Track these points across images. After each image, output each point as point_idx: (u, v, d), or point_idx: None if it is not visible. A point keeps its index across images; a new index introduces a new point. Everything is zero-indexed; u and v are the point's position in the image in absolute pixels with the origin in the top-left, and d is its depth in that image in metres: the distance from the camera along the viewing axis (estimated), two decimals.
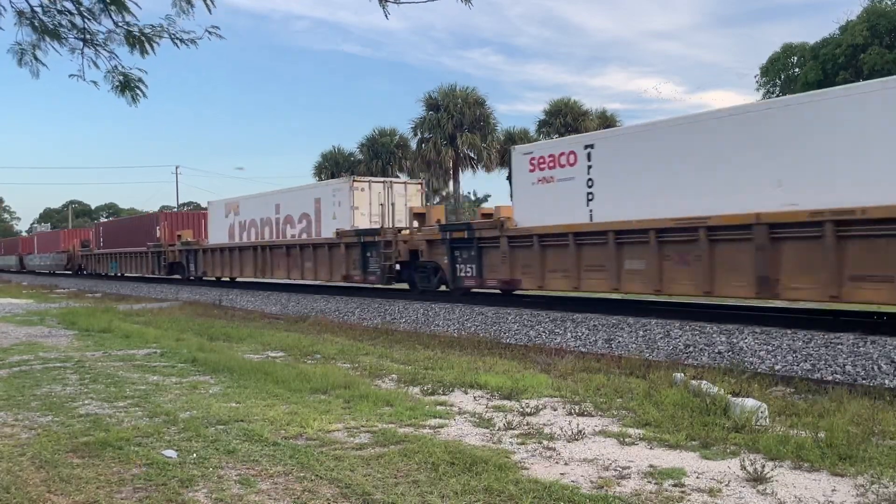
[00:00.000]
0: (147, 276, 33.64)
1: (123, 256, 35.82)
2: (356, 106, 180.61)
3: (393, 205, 19.65)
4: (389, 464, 5.45)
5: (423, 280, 17.34)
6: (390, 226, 18.67)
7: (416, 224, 18.17)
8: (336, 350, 11.84)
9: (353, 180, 19.89)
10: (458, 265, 15.82)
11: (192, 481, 5.15)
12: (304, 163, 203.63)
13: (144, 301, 25.69)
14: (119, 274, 37.67)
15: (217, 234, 27.09)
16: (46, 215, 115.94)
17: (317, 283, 22.18)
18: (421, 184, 21.96)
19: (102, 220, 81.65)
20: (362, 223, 19.37)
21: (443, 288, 16.99)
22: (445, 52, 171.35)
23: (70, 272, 45.75)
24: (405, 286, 18.74)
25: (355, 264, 18.91)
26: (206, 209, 32.61)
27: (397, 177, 58.30)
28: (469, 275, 15.51)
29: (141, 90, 7.08)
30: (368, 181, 20.22)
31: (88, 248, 42.54)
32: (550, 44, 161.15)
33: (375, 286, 19.69)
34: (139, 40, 6.61)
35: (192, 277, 29.23)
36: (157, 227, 31.81)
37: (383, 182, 20.49)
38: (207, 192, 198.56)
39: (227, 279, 27.92)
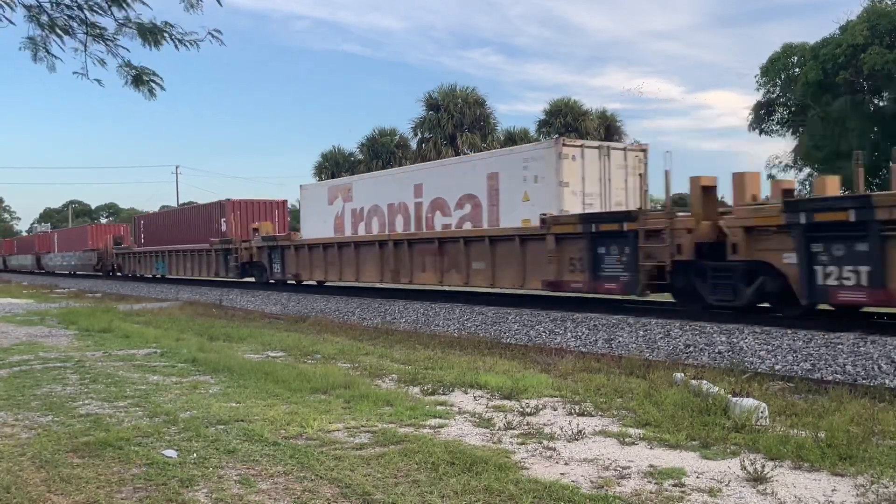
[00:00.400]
0: (210, 278, 28.31)
1: (175, 255, 30.34)
2: (356, 106, 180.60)
3: (611, 180, 14.66)
4: (389, 464, 5.45)
5: (718, 289, 11.31)
6: (639, 206, 13.31)
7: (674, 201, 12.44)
8: (336, 350, 11.84)
9: (563, 143, 14.26)
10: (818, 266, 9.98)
11: (192, 481, 5.16)
12: (304, 163, 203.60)
13: (144, 301, 25.68)
14: (164, 276, 32.53)
15: (315, 227, 21.82)
16: (46, 215, 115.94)
17: (492, 290, 16.61)
18: (644, 150, 15.54)
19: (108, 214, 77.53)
20: (573, 205, 14.11)
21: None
22: (445, 52, 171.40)
23: (100, 274, 40.76)
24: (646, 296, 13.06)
25: (576, 265, 13.26)
26: (278, 200, 28.81)
27: None
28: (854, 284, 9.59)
29: (157, 83, 7.07)
30: (581, 146, 14.48)
31: (124, 245, 37.97)
32: (550, 44, 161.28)
33: (617, 297, 13.50)
34: (151, 32, 6.61)
35: (272, 281, 24.10)
36: (223, 220, 26.67)
37: (598, 147, 14.77)
38: (207, 192, 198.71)
39: (325, 283, 22.81)
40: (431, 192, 17.46)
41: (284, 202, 29.19)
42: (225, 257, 25.93)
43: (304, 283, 23.34)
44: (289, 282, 23.59)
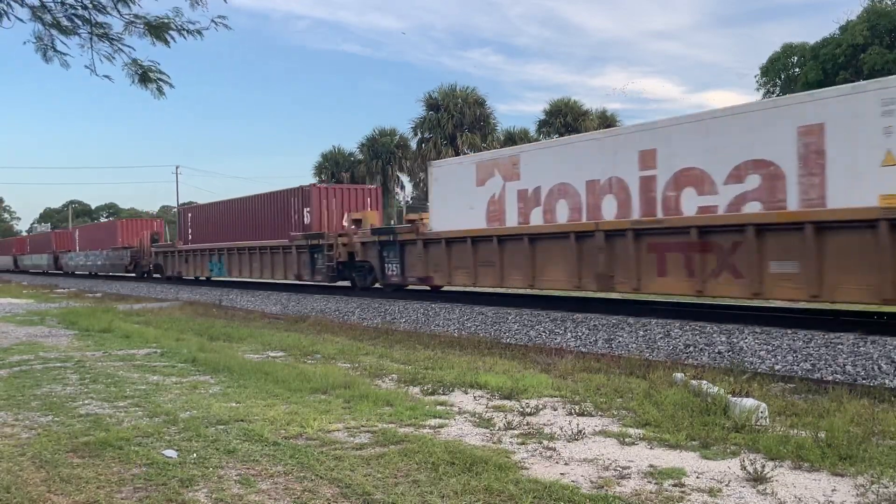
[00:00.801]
0: (288, 281, 23.07)
1: (237, 254, 25.50)
2: (356, 106, 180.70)
3: None
4: (389, 464, 5.45)
5: None
6: None
7: None
8: (336, 350, 11.84)
9: None
10: None
11: (192, 481, 5.15)
12: (304, 163, 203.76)
13: (144, 301, 25.68)
14: (209, 278, 28.45)
15: (453, 214, 16.06)
16: (46, 215, 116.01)
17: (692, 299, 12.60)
18: None
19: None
20: None
21: None
22: (445, 52, 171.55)
23: (133, 276, 36.33)
24: None
25: None
26: (370, 186, 24.30)
27: (397, 179, 57.77)
28: None
29: (164, 81, 7.06)
30: None
31: (163, 243, 33.63)
32: (550, 44, 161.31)
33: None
34: (157, 28, 6.60)
35: (381, 286, 19.04)
36: (307, 210, 21.56)
37: None
38: (207, 193, 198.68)
39: (442, 287, 17.74)
40: (674, 161, 11.81)
41: (378, 189, 24.50)
42: (312, 256, 20.87)
43: (438, 288, 18.22)
44: (410, 287, 18.40)
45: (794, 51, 39.94)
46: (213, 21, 6.69)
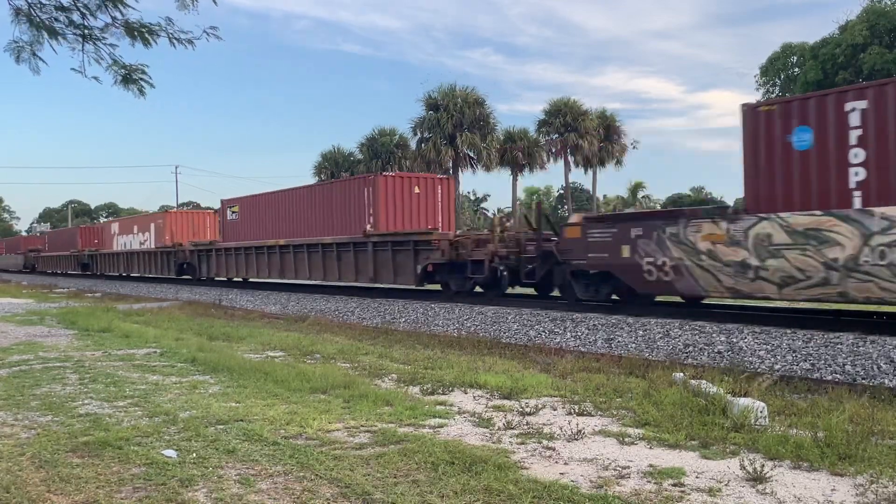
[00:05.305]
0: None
1: None
2: (356, 106, 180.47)
3: None
4: (389, 463, 5.45)
5: None
6: None
7: None
8: (336, 350, 11.83)
9: None
10: None
11: (191, 481, 5.15)
12: (303, 163, 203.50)
13: (144, 301, 25.66)
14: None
15: None
16: (46, 215, 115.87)
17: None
18: None
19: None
20: None
21: None
22: (445, 52, 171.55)
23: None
24: None
25: None
26: None
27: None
28: None
29: (146, 81, 7.06)
30: None
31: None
32: (550, 43, 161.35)
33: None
34: (140, 31, 6.60)
35: None
36: None
37: None
38: (207, 192, 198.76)
39: None
40: None
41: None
42: None
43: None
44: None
45: (794, 51, 39.95)
46: (205, 32, 6.71)
